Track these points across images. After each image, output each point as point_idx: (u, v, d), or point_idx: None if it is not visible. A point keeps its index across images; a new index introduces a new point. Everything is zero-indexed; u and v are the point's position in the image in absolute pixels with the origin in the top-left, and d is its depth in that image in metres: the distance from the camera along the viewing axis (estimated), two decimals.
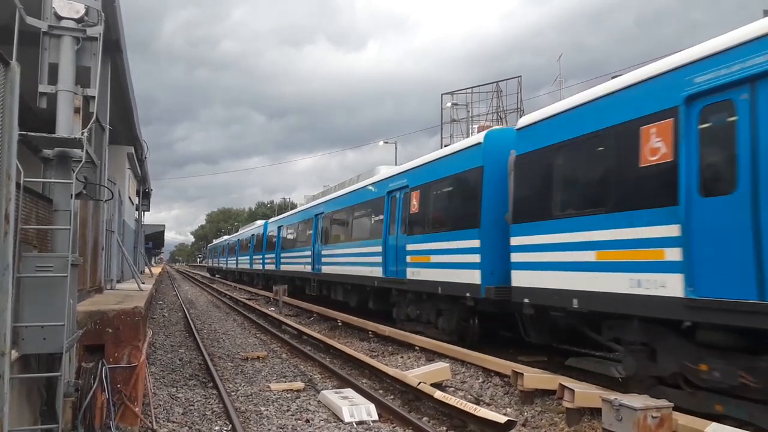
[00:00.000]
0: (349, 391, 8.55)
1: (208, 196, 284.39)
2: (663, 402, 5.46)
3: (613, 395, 5.85)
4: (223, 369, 10.99)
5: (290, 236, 27.07)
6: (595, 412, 6.65)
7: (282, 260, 28.39)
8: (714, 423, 5.54)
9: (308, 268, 22.18)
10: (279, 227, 30.19)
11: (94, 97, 6.18)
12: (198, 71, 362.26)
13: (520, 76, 41.21)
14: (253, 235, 39.61)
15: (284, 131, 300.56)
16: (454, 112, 43.92)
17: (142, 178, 25.89)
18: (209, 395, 8.87)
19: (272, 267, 30.65)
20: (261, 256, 34.67)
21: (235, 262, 48.40)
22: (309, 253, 22.28)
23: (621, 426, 5.34)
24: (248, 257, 39.98)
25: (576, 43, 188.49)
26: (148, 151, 21.49)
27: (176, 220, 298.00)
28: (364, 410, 7.50)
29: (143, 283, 13.75)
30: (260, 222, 41.00)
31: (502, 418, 6.40)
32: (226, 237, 65.55)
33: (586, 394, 6.84)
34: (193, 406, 8.24)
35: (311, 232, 22.21)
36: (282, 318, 18.94)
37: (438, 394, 7.58)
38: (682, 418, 5.73)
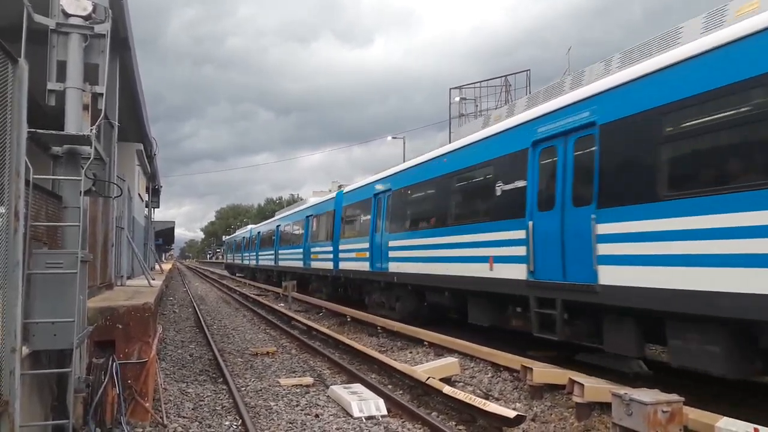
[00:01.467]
0: (358, 386, 8.56)
1: (217, 192, 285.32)
2: (674, 396, 5.42)
3: (623, 390, 5.81)
4: (233, 364, 11.04)
5: (417, 208, 14.46)
6: (605, 407, 6.62)
7: (391, 254, 15.27)
8: (725, 417, 5.50)
9: (518, 272, 9.64)
10: (380, 195, 16.57)
11: (102, 94, 6.21)
12: (204, 68, 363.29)
13: (529, 70, 41.10)
14: (309, 217, 25.59)
15: (291, 127, 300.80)
16: (463, 107, 43.82)
17: (151, 174, 26.03)
18: (219, 390, 8.91)
19: (362, 266, 17.40)
20: (330, 249, 21.05)
21: (272, 257, 34.90)
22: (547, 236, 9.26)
23: (631, 421, 5.30)
24: (300, 251, 26.36)
25: (583, 36, 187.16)
26: (157, 148, 21.59)
27: (186, 217, 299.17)
28: (373, 405, 7.51)
29: (153, 279, 13.83)
30: (315, 200, 27.85)
31: (511, 413, 6.38)
32: (253, 225, 51.16)
33: (595, 388, 6.80)
34: (203, 401, 8.28)
35: (553, 187, 9.04)
36: (291, 314, 18.99)
37: (447, 389, 7.57)
38: (692, 413, 5.68)
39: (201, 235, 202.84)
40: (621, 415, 5.43)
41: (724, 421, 5.42)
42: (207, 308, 23.47)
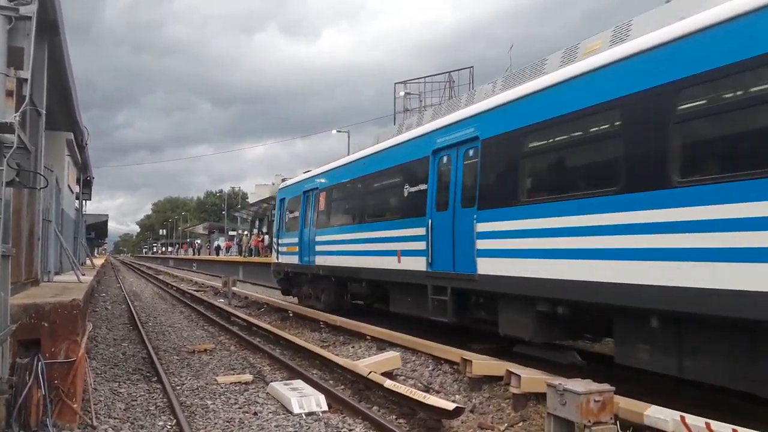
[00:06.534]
0: (298, 383, 8.47)
1: (153, 185, 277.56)
2: (605, 386, 5.60)
3: (557, 380, 5.97)
4: (168, 363, 10.72)
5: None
6: (540, 397, 6.78)
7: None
8: (653, 406, 5.74)
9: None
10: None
11: (27, 79, 5.85)
12: (142, 56, 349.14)
13: (472, 67, 41.88)
14: None
15: (233, 119, 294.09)
16: (408, 102, 44.12)
17: (82, 165, 24.88)
18: (153, 390, 8.62)
19: None
20: None
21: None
22: None
23: (565, 410, 5.45)
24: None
25: (529, 34, 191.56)
26: (89, 138, 20.66)
27: (120, 210, 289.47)
28: (313, 401, 7.44)
29: (83, 274, 13.26)
30: None
31: (450, 405, 6.46)
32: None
33: (532, 379, 6.98)
34: (135, 401, 8.00)
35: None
36: (231, 309, 18.63)
37: (388, 383, 7.59)
38: (623, 402, 5.90)
39: (136, 228, 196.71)
40: (555, 404, 5.58)
41: (652, 410, 5.65)
42: (142, 305, 22.70)
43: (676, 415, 5.39)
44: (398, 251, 11.75)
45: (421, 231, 10.74)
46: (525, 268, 8.09)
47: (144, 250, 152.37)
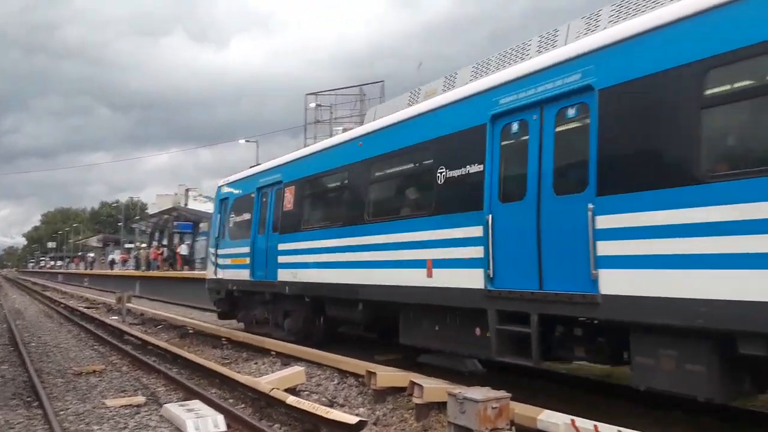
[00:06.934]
0: (196, 403, 8.06)
1: (43, 194, 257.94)
2: (502, 393, 5.78)
3: (457, 389, 6.08)
4: (51, 386, 9.88)
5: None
6: (442, 407, 6.86)
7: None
8: (546, 410, 5.97)
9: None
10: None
11: None
12: (34, 59, 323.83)
13: (383, 81, 42.47)
14: None
15: (133, 126, 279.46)
16: (318, 113, 44.04)
17: None
18: (33, 416, 7.91)
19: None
20: None
21: None
22: None
23: (464, 418, 5.55)
24: None
25: (437, 52, 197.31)
26: None
27: (5, 221, 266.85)
28: (210, 422, 7.09)
29: None
30: None
31: (353, 419, 6.39)
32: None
33: (434, 389, 7.05)
34: (13, 428, 7.31)
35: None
36: (125, 327, 17.54)
37: (290, 399, 7.40)
38: (518, 407, 6.10)
39: (23, 241, 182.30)
40: (455, 413, 5.67)
41: (545, 414, 5.89)
42: (25, 324, 20.88)
43: (567, 418, 5.64)
44: (428, 261, 8.41)
45: (472, 231, 7.63)
46: (724, 286, 5.01)
47: (30, 265, 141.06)
